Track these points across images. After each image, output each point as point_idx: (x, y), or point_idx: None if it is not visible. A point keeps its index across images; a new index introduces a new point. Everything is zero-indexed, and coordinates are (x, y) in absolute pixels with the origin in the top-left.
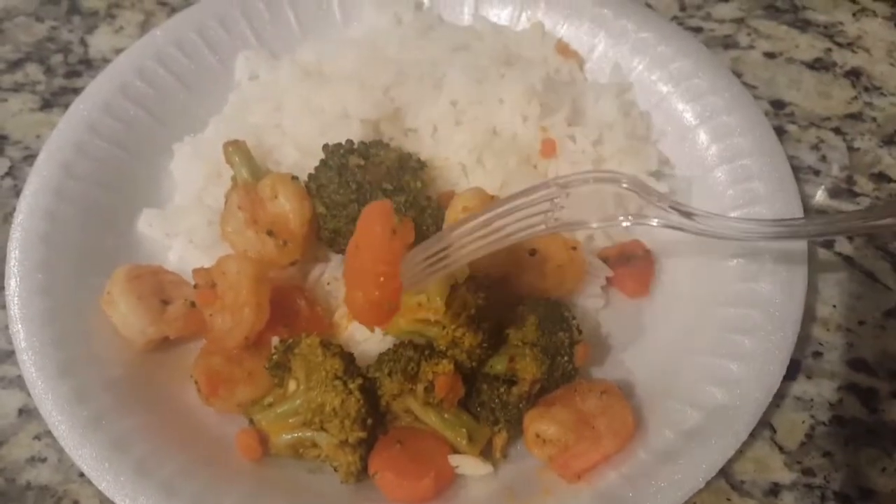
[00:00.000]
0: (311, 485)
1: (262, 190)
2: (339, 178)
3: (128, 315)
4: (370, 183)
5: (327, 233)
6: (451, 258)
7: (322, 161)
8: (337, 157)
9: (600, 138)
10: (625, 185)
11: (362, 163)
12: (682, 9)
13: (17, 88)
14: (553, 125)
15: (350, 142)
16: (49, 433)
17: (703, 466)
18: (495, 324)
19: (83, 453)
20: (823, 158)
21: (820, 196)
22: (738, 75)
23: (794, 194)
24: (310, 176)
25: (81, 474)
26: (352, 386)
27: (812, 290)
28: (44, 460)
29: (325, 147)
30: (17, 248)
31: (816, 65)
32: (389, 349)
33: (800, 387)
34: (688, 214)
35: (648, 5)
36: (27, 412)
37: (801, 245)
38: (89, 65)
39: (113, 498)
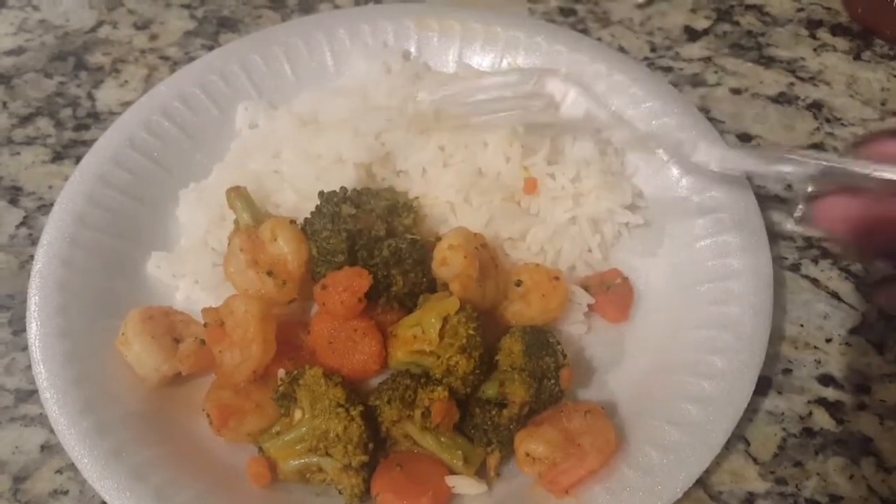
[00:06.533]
0: None
1: (263, 233)
2: (331, 224)
3: (142, 354)
4: (360, 232)
5: (318, 276)
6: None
7: (317, 207)
8: (331, 204)
9: (578, 175)
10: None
11: (354, 211)
12: (653, 50)
13: (29, 142)
14: (534, 164)
15: (344, 189)
16: (70, 467)
17: (681, 478)
18: (486, 351)
19: (105, 484)
20: (788, 187)
21: (786, 222)
22: (707, 111)
23: (759, 222)
24: (306, 220)
25: None
26: (353, 413)
27: (780, 311)
28: (66, 493)
29: (321, 194)
30: (37, 294)
31: (780, 99)
32: (388, 378)
33: (771, 402)
34: None
35: (621, 48)
36: (48, 448)
37: (767, 269)
38: (97, 118)
39: None
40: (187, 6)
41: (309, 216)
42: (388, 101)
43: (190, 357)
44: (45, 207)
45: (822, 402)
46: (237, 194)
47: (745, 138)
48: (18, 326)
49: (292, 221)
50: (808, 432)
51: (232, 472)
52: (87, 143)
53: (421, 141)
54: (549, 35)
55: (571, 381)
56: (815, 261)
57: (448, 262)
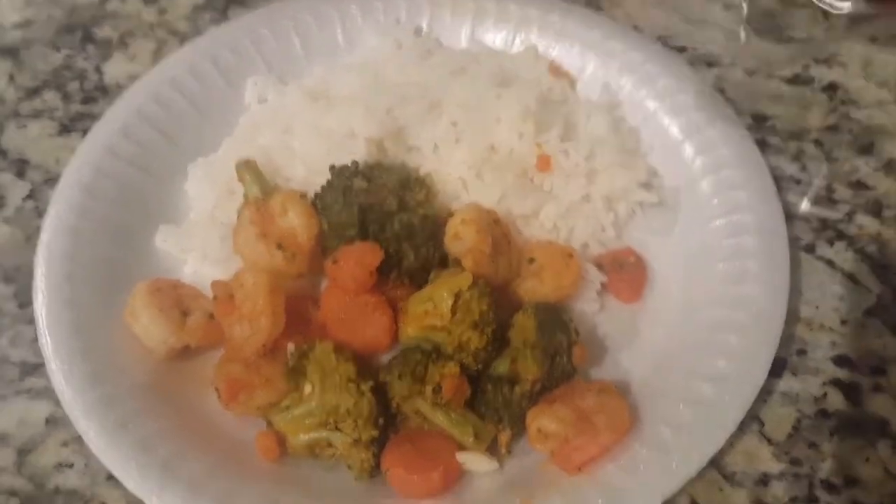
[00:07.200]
0: (327, 482)
1: (273, 206)
2: (343, 198)
3: (150, 326)
4: (371, 206)
5: (328, 250)
6: None
7: (328, 182)
8: (342, 178)
9: (592, 153)
10: None
11: (365, 185)
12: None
13: (36, 115)
14: (547, 141)
15: (355, 163)
16: (76, 440)
17: (695, 457)
18: (498, 328)
19: (111, 455)
20: (804, 168)
21: (801, 204)
22: (721, 91)
23: (776, 202)
24: (316, 195)
25: (109, 477)
26: (364, 388)
27: (795, 293)
28: (71, 466)
29: (332, 168)
30: (43, 264)
31: (795, 80)
32: (399, 354)
33: (786, 383)
34: None
35: (636, 27)
36: (54, 421)
37: (783, 249)
38: (105, 91)
39: (141, 496)
40: None
41: (319, 190)
42: (399, 77)
43: (198, 330)
44: (52, 180)
45: (837, 383)
46: (246, 167)
47: (759, 119)
48: (24, 299)
49: (303, 195)
50: (824, 414)
51: (240, 447)
52: (95, 117)
53: (433, 116)
54: (563, 12)
55: (584, 360)
56: (830, 242)
57: (461, 237)
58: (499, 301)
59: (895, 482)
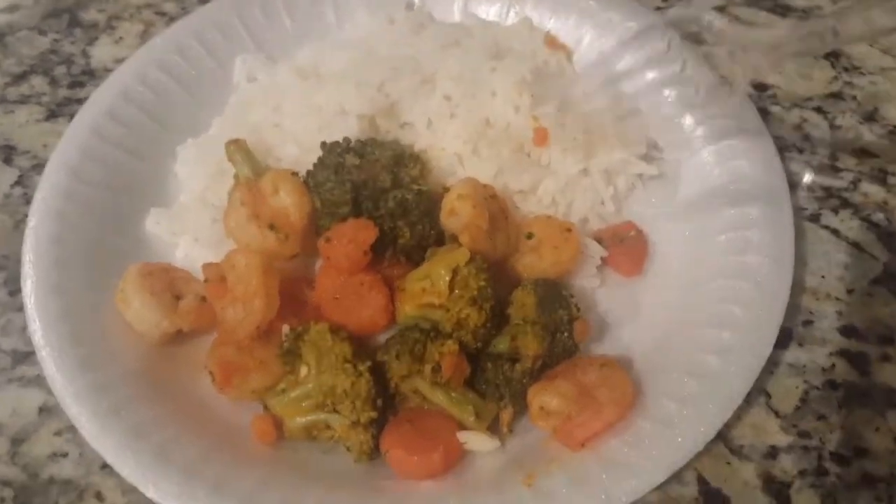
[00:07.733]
0: (325, 465)
1: (264, 186)
2: (335, 176)
3: (142, 310)
4: (364, 182)
5: (322, 229)
6: None
7: (319, 159)
8: (334, 155)
9: (590, 126)
10: None
11: (358, 162)
12: None
13: (23, 100)
14: (544, 114)
15: (347, 140)
16: (69, 429)
17: (701, 430)
18: (497, 304)
19: (104, 443)
20: (807, 137)
21: (805, 172)
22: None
23: (779, 171)
24: (308, 173)
25: (103, 466)
26: (361, 368)
27: (800, 263)
28: (65, 455)
29: (324, 144)
30: (31, 250)
31: None
32: (396, 333)
33: (792, 354)
34: None
35: None
36: (47, 410)
37: (787, 218)
38: (92, 75)
39: (136, 483)
40: None
41: (311, 168)
42: (391, 52)
43: (191, 314)
44: (40, 166)
45: (844, 353)
46: (237, 147)
47: (761, 87)
48: (14, 287)
49: (294, 174)
50: (831, 384)
51: (236, 431)
52: (82, 101)
53: (426, 91)
54: None
55: (586, 336)
56: (835, 211)
57: (457, 212)
58: (497, 277)
59: None
